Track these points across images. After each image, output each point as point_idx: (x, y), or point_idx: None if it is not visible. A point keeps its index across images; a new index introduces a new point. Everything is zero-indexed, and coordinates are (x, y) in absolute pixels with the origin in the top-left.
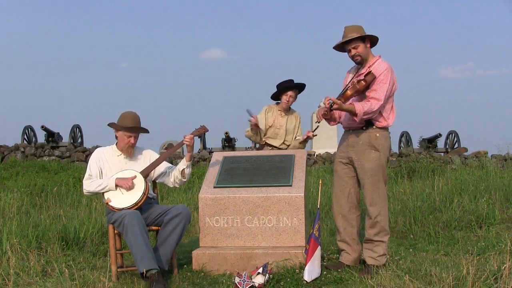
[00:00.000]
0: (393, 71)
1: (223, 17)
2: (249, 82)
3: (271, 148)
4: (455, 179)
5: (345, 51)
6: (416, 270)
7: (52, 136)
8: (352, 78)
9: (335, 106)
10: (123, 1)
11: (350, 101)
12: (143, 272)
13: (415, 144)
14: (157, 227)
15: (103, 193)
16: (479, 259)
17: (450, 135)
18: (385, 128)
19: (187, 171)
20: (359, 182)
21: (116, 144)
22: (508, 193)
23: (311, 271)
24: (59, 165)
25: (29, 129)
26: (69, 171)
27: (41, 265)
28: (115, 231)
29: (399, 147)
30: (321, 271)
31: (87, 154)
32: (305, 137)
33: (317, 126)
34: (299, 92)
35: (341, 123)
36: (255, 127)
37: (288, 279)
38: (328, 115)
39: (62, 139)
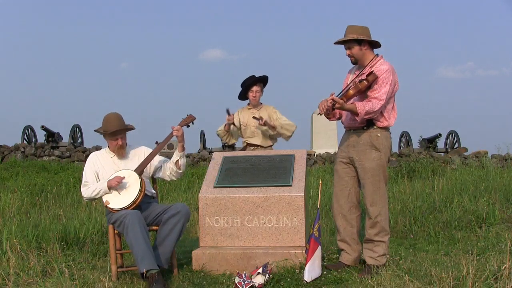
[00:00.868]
0: (395, 71)
1: (223, 17)
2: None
3: (253, 148)
4: (455, 179)
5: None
6: (416, 270)
7: (52, 136)
8: (354, 78)
9: (337, 105)
10: (123, 1)
11: (352, 100)
12: (143, 272)
13: (415, 144)
14: (157, 227)
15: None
16: (479, 259)
17: (450, 135)
18: (386, 128)
19: (181, 161)
20: (360, 182)
21: (108, 147)
22: (508, 193)
23: (311, 271)
24: (59, 165)
25: (29, 129)
26: (69, 171)
27: (41, 265)
28: (115, 231)
29: (399, 147)
30: (321, 271)
31: (87, 154)
32: (262, 122)
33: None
34: (264, 85)
35: (342, 122)
36: (229, 126)
37: (288, 279)
38: (330, 114)
39: (62, 139)
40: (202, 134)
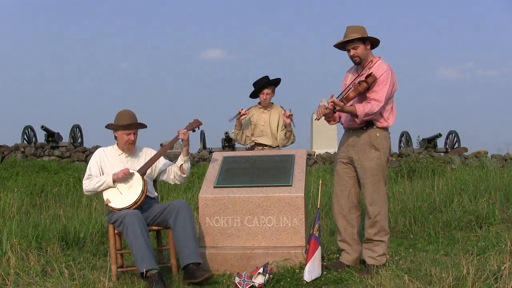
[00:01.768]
0: (393, 72)
1: (223, 17)
2: (249, 82)
3: (261, 148)
4: (455, 179)
5: (345, 50)
6: (416, 270)
7: (52, 136)
8: (353, 79)
9: (337, 108)
10: (123, 1)
11: (351, 102)
12: (143, 272)
13: (415, 144)
14: (157, 227)
15: (103, 192)
16: (479, 259)
17: (450, 135)
18: (385, 128)
19: (186, 166)
20: (359, 182)
21: (116, 144)
22: (508, 193)
23: (311, 271)
24: (59, 165)
25: (29, 129)
26: (69, 171)
27: (41, 265)
28: (115, 231)
29: (399, 147)
30: (321, 271)
31: (87, 154)
32: (285, 121)
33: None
34: (276, 87)
35: (341, 123)
36: (240, 124)
37: (288, 279)
38: (330, 118)
39: (62, 139)
40: (202, 134)
